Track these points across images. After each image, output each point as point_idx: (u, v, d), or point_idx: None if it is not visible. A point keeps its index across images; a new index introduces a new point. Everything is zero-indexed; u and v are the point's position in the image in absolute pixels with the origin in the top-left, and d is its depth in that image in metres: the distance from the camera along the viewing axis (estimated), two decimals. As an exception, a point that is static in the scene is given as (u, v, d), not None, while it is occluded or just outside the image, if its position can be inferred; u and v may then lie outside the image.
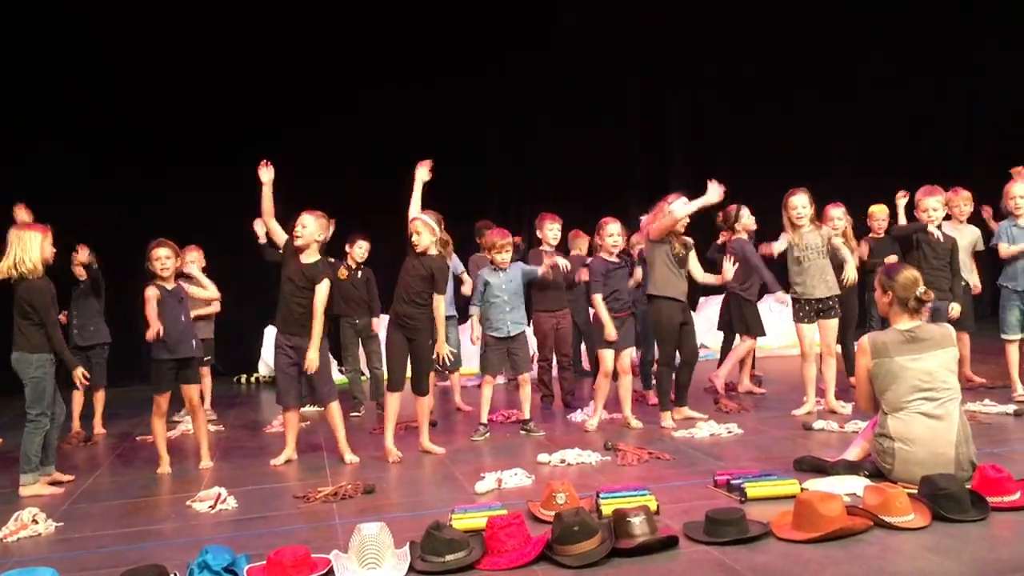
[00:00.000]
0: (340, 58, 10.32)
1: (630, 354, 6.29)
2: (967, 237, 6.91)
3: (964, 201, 6.89)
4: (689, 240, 6.17)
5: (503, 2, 10.79)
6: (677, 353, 6.24)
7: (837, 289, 6.28)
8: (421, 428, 5.81)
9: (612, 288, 6.14)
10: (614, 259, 6.20)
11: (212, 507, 4.66)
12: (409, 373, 5.73)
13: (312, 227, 5.60)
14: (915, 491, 3.92)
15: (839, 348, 7.17)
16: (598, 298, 6.09)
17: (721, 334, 7.66)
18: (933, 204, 6.40)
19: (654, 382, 7.20)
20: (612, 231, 6.17)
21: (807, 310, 6.26)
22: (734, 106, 11.68)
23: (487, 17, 10.71)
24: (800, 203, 6.24)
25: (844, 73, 11.45)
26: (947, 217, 6.77)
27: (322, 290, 5.60)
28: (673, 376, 6.24)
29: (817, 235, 6.25)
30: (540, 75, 10.91)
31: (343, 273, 7.23)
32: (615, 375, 6.25)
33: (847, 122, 11.82)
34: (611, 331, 6.04)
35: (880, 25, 11.38)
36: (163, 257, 5.74)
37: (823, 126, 11.74)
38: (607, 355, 6.15)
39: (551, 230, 6.94)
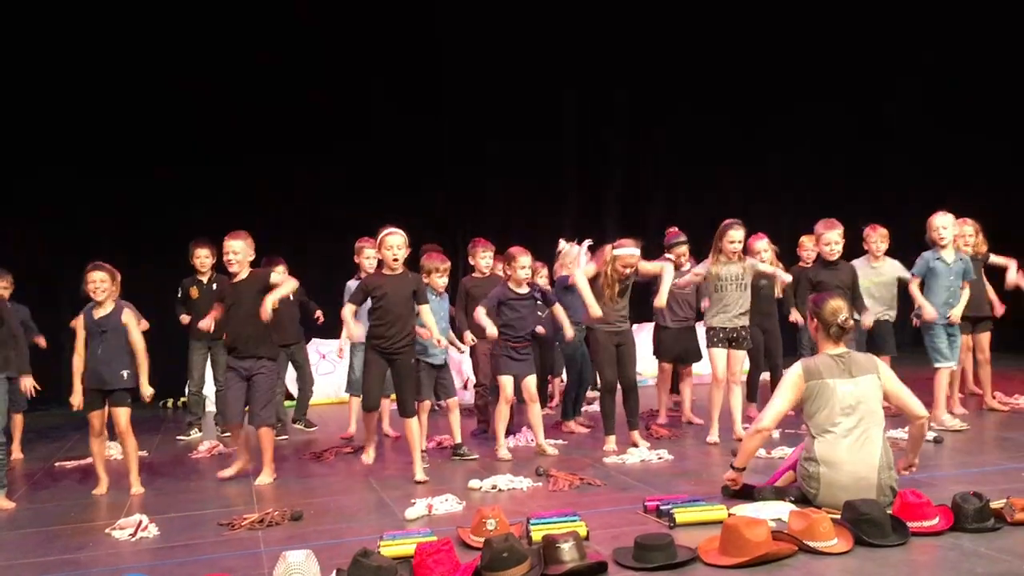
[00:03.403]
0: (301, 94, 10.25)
1: (534, 382, 6.29)
2: (889, 271, 7.02)
3: (881, 238, 7.03)
4: (626, 281, 6.20)
5: (442, 24, 10.81)
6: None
7: (747, 321, 6.41)
8: (413, 454, 5.70)
9: (510, 318, 6.13)
10: (521, 289, 6.19)
11: (133, 535, 4.52)
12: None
13: (243, 251, 5.68)
14: (839, 516, 4.00)
15: (767, 375, 7.30)
16: (481, 309, 6.09)
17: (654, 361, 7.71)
18: (835, 238, 6.52)
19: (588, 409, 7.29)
20: (523, 263, 6.18)
21: (721, 337, 6.36)
22: (678, 122, 11.63)
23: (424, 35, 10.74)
24: (737, 237, 6.30)
25: (794, 87, 11.44)
26: (864, 252, 6.98)
27: (276, 277, 5.76)
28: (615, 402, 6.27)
29: (740, 266, 6.36)
30: (483, 94, 10.87)
31: (275, 304, 7.12)
32: (524, 403, 6.29)
33: (798, 139, 11.75)
34: (490, 329, 6.05)
35: (834, 42, 11.44)
36: (98, 281, 5.56)
37: (773, 143, 11.74)
38: (506, 382, 6.16)
39: (484, 257, 6.91)
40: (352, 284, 7.04)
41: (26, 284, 7.39)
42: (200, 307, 7.07)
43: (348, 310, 5.79)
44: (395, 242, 5.65)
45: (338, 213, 9.75)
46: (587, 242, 7.04)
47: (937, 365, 6.57)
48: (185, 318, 7.37)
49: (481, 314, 6.07)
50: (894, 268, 7.02)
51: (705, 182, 11.57)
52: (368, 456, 6.03)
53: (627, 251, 6.11)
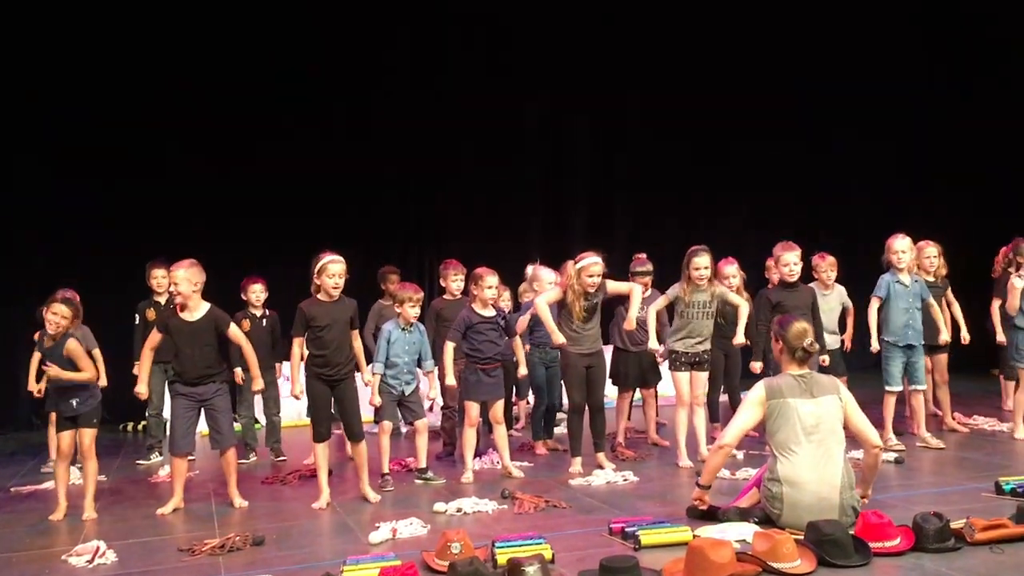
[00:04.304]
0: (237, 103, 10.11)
1: (501, 406, 6.29)
2: (835, 299, 7.16)
3: (830, 267, 7.15)
4: (593, 299, 6.20)
5: (399, 37, 10.85)
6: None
7: (710, 345, 6.44)
8: (361, 474, 5.70)
9: (478, 342, 6.13)
10: (487, 311, 6.19)
11: (90, 562, 4.43)
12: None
13: (186, 280, 5.50)
14: (802, 537, 4.03)
15: (726, 397, 7.35)
16: (449, 346, 6.13)
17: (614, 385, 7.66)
18: (793, 259, 6.58)
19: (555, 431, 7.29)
20: (491, 283, 6.17)
21: (683, 360, 6.39)
22: (637, 136, 11.65)
23: (379, 49, 10.74)
24: (703, 263, 6.29)
25: (753, 103, 11.38)
26: (813, 279, 7.07)
27: (235, 331, 5.65)
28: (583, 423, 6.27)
29: (707, 293, 6.38)
30: (441, 108, 10.84)
31: (246, 325, 7.05)
32: (490, 426, 6.27)
33: (755, 153, 11.71)
34: (449, 380, 6.15)
35: (794, 59, 11.52)
36: (60, 314, 5.47)
37: (729, 158, 11.69)
38: (472, 407, 6.18)
39: (455, 280, 6.90)
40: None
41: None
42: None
43: (295, 355, 5.65)
44: (337, 270, 5.52)
45: (305, 229, 9.72)
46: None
47: (886, 388, 6.68)
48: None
49: (448, 364, 6.12)
50: (840, 296, 7.20)
51: (666, 204, 11.63)
52: (323, 499, 5.55)
53: (589, 260, 6.11)
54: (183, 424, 5.58)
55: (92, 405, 5.57)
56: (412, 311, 6.08)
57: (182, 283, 5.48)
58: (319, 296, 5.62)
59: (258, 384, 5.81)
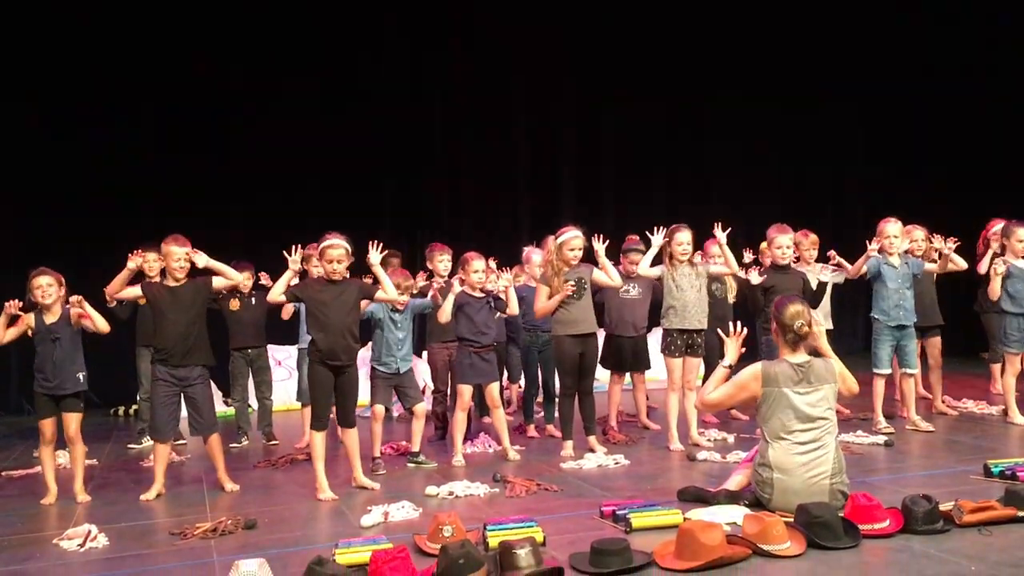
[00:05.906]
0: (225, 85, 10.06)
1: (497, 388, 6.30)
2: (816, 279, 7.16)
3: (811, 245, 7.16)
4: (582, 278, 6.18)
5: (386, 23, 10.82)
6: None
7: (705, 323, 6.43)
8: (353, 462, 5.61)
9: (474, 324, 6.14)
10: (477, 294, 6.20)
11: (81, 545, 4.43)
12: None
13: (186, 253, 5.54)
14: (791, 519, 4.05)
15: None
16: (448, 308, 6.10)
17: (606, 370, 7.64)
18: (787, 242, 6.63)
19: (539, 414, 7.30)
20: (477, 267, 6.17)
21: (678, 344, 6.39)
22: (626, 118, 11.54)
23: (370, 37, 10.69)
24: (685, 239, 6.33)
25: (747, 80, 11.36)
26: (797, 259, 7.04)
27: (219, 281, 5.64)
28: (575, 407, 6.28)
29: (692, 270, 6.40)
30: (430, 93, 10.86)
31: (235, 304, 7.06)
32: (481, 410, 6.25)
33: (745, 132, 11.65)
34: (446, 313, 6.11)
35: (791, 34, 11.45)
36: (44, 286, 5.45)
37: (719, 137, 11.68)
38: (465, 390, 6.19)
39: (442, 261, 6.91)
40: None
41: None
42: (147, 313, 6.87)
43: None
44: (336, 255, 5.31)
45: (295, 215, 9.68)
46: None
47: (874, 371, 6.69)
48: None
49: (448, 304, 6.06)
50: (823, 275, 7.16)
51: (655, 186, 11.60)
52: (326, 493, 5.28)
53: (570, 234, 6.10)
54: (165, 411, 5.55)
55: (87, 385, 5.60)
56: (402, 296, 6.10)
57: (184, 251, 5.50)
58: (324, 276, 5.50)
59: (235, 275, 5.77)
